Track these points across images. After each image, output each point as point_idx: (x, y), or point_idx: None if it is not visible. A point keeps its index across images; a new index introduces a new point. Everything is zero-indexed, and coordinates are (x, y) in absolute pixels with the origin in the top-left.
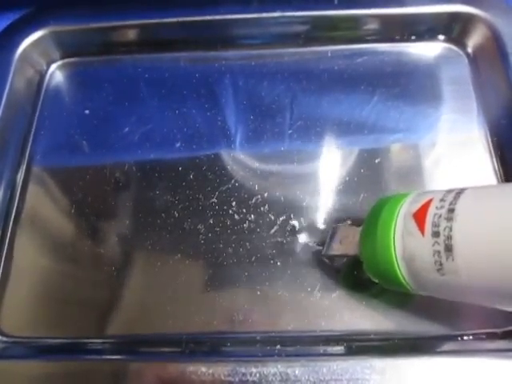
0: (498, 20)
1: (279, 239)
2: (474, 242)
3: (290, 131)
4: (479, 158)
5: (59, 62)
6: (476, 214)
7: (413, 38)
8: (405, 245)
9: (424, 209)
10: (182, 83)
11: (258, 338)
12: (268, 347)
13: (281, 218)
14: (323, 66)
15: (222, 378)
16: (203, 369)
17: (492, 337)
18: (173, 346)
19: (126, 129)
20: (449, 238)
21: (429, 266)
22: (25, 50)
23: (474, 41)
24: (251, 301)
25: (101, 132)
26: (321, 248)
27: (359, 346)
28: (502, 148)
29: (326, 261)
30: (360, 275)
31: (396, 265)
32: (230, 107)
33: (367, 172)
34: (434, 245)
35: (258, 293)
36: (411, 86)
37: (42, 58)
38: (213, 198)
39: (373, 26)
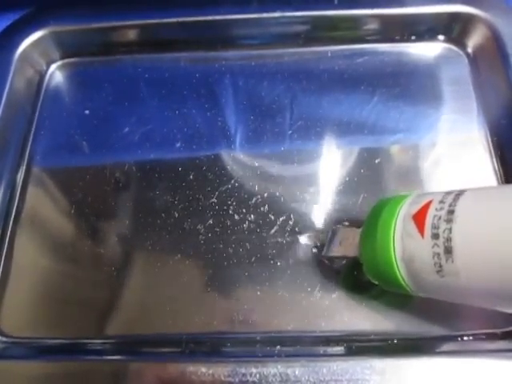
0: (498, 20)
1: (279, 239)
2: (473, 243)
3: (290, 131)
4: (479, 158)
5: (59, 62)
6: (476, 216)
7: (413, 38)
8: (404, 246)
9: (423, 210)
10: (182, 83)
11: (257, 338)
12: (268, 347)
13: (281, 219)
14: (323, 66)
15: (222, 378)
16: (203, 369)
17: (492, 337)
18: (173, 346)
19: (126, 129)
20: (448, 239)
21: (428, 268)
22: (25, 50)
23: (474, 41)
24: (251, 301)
25: (101, 132)
26: (321, 248)
27: (359, 346)
28: (502, 148)
29: (326, 262)
30: (360, 276)
31: (395, 266)
32: (230, 107)
33: (367, 172)
34: (433, 247)
35: (258, 293)
36: (411, 86)
37: (41, 58)
38: (213, 198)
39: (373, 26)
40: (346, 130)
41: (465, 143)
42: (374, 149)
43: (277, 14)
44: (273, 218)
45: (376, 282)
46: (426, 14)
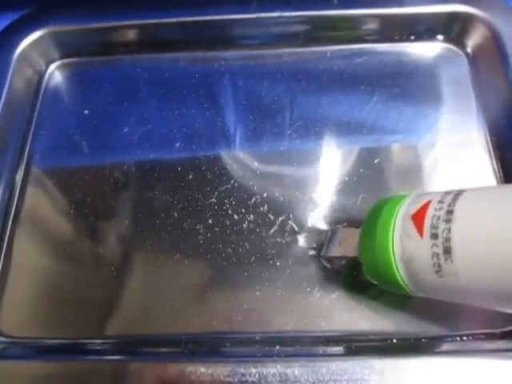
0: (498, 20)
1: (278, 239)
2: (472, 243)
3: (289, 131)
4: (479, 158)
5: (58, 62)
6: (475, 216)
7: (412, 38)
8: (403, 247)
9: (422, 210)
10: (182, 83)
11: (257, 338)
12: (267, 347)
13: (280, 219)
14: (323, 66)
15: (222, 378)
16: (202, 369)
17: (491, 337)
18: (172, 346)
19: (126, 129)
20: (447, 239)
21: (427, 268)
22: (24, 50)
23: (473, 41)
24: (250, 301)
25: (100, 132)
26: (320, 249)
27: (358, 346)
28: (501, 148)
29: (325, 263)
30: (359, 277)
31: (395, 267)
32: (230, 107)
33: (367, 172)
34: (432, 247)
35: (258, 293)
36: (410, 86)
37: (41, 57)
38: (212, 198)
39: (372, 25)
40: (346, 129)
41: (464, 143)
42: (374, 149)
43: (276, 14)
44: (272, 217)
45: (375, 282)
46: (426, 14)
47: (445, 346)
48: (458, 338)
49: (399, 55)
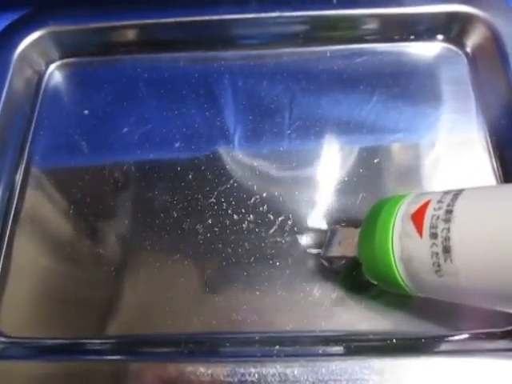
0: (497, 20)
1: (278, 239)
2: (472, 243)
3: (289, 131)
4: (478, 158)
5: (58, 62)
6: (474, 215)
7: (412, 37)
8: (403, 246)
9: (422, 210)
10: (182, 83)
11: (256, 338)
12: (267, 347)
13: (280, 218)
14: (322, 66)
15: (221, 378)
16: (202, 369)
17: (491, 337)
18: (172, 346)
19: (125, 129)
20: (447, 239)
21: (427, 268)
22: (24, 50)
23: (472, 41)
24: (250, 301)
25: (100, 132)
26: (320, 248)
27: (358, 346)
28: (501, 148)
29: (325, 263)
30: (359, 276)
31: (394, 266)
32: (229, 107)
33: (366, 172)
34: (431, 246)
35: (257, 293)
36: (410, 86)
37: (40, 58)
38: (212, 198)
39: (372, 25)
40: (345, 129)
41: (464, 143)
42: (373, 148)
43: (276, 14)
44: (272, 217)
45: (375, 282)
46: (425, 14)
47: (445, 346)
48: (458, 338)
49: (399, 55)
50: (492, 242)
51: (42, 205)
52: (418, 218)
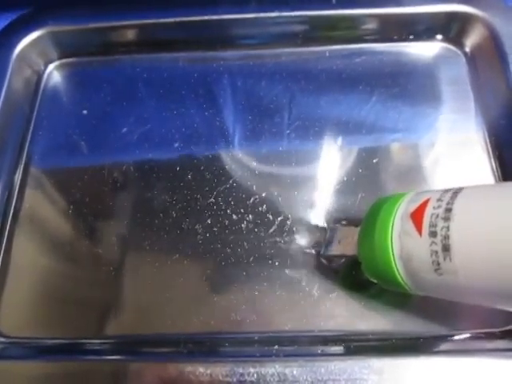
0: (496, 19)
1: (277, 239)
2: (471, 241)
3: (288, 131)
4: (477, 158)
5: (57, 62)
6: (473, 214)
7: (411, 37)
8: (402, 245)
9: (421, 209)
10: (181, 83)
11: (255, 338)
12: (266, 347)
13: (279, 218)
14: (321, 65)
15: (220, 378)
16: (201, 369)
17: (490, 336)
18: (171, 346)
19: (125, 129)
20: (446, 237)
21: (426, 266)
22: (23, 50)
23: (471, 40)
24: (249, 301)
25: (99, 132)
26: (318, 248)
27: (357, 345)
28: (500, 148)
29: (324, 261)
30: (358, 275)
31: (394, 265)
32: (229, 107)
33: (365, 172)
34: (431, 245)
35: (256, 293)
36: (409, 86)
37: (39, 57)
38: (211, 198)
39: (371, 25)
40: (345, 129)
41: (463, 143)
42: (373, 148)
43: (275, 14)
44: (271, 217)
45: (374, 281)
46: (424, 14)
47: (444, 346)
48: (458, 338)
49: (398, 55)
50: (491, 240)
51: (41, 205)
52: (417, 216)
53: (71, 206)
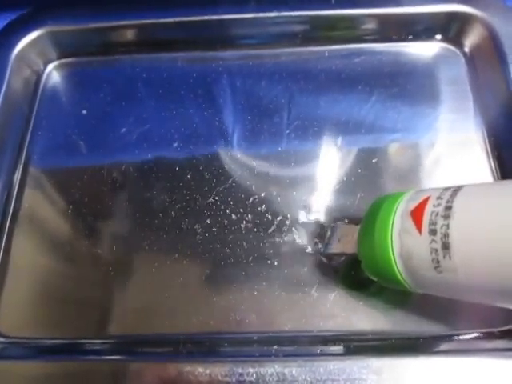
0: (495, 20)
1: (276, 239)
2: (471, 239)
3: (287, 131)
4: (476, 158)
5: (56, 62)
6: (473, 212)
7: (410, 37)
8: (402, 243)
9: (421, 207)
10: (180, 83)
11: (255, 338)
12: (265, 347)
13: (278, 218)
14: (321, 65)
15: (220, 378)
16: (200, 369)
17: (490, 336)
18: (170, 346)
19: (124, 129)
20: (446, 235)
21: (426, 264)
22: (22, 50)
23: (471, 40)
24: (248, 301)
25: (98, 132)
26: (318, 248)
27: (357, 345)
28: (499, 148)
29: (324, 260)
30: (358, 274)
31: (394, 263)
32: (228, 107)
33: (365, 172)
34: (431, 243)
35: (256, 293)
36: (409, 86)
37: (39, 57)
38: (210, 198)
39: (370, 25)
40: (344, 129)
41: (462, 143)
42: (372, 148)
43: (274, 14)
44: (270, 217)
45: (375, 279)
46: (424, 14)
47: (443, 346)
48: (457, 337)
49: (397, 55)
50: (491, 238)
51: (40, 205)
52: (417, 214)
53: (70, 206)
